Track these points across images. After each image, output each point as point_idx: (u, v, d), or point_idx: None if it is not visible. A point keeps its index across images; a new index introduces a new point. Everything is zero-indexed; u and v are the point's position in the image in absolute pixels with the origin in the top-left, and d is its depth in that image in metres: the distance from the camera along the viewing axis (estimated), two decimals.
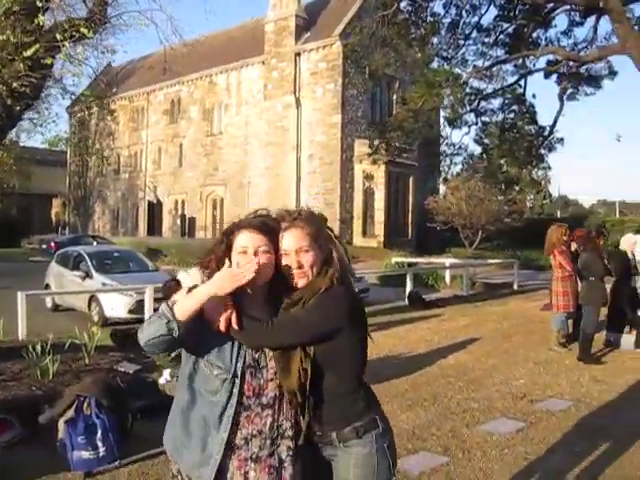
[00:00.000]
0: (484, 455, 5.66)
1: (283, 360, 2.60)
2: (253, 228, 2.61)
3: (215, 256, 2.68)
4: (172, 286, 9.43)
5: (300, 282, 2.67)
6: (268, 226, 2.65)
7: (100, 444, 5.22)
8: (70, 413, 5.43)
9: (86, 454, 5.17)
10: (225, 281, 2.45)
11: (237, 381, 2.55)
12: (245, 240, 2.59)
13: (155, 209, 48.54)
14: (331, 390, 2.68)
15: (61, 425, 5.43)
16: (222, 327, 2.50)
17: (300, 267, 2.65)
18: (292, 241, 2.65)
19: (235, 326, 2.51)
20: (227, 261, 2.57)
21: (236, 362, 2.56)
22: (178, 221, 45.33)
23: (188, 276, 9.70)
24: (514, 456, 5.66)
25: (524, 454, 5.70)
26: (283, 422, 2.62)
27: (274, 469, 2.58)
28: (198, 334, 2.54)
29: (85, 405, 5.43)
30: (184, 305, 2.46)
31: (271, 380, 2.61)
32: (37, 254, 37.02)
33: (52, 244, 35.45)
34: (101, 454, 5.22)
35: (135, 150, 51.13)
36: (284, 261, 2.66)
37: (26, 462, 5.32)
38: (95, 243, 33.49)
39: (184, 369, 2.69)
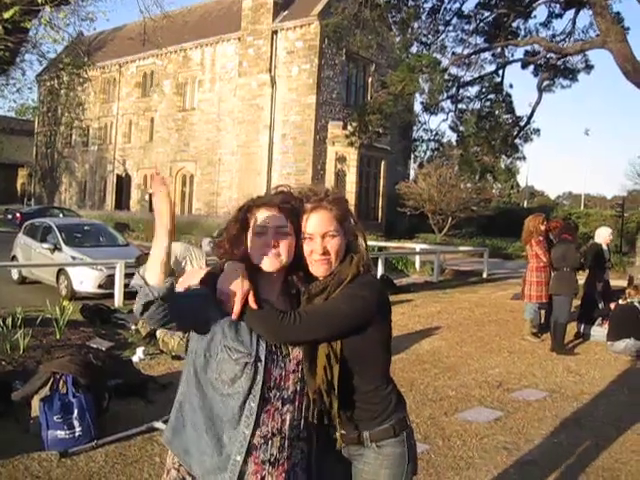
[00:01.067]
0: (464, 444, 5.65)
1: (310, 356, 2.36)
2: (273, 206, 2.32)
3: (228, 236, 2.39)
4: (145, 260, 9.34)
5: (321, 270, 2.42)
6: (290, 205, 2.36)
7: (76, 423, 5.12)
8: (45, 391, 5.31)
9: (62, 433, 5.06)
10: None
11: (260, 367, 2.26)
12: (264, 219, 2.31)
13: (123, 183, 47.92)
14: (359, 387, 2.48)
15: (36, 403, 5.31)
16: (236, 309, 2.22)
17: (325, 253, 2.39)
18: (319, 224, 2.40)
19: (253, 305, 2.25)
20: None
21: (257, 344, 2.27)
22: (147, 196, 44.76)
23: None
24: (494, 445, 5.66)
25: (504, 443, 5.71)
26: (301, 422, 2.37)
27: (288, 475, 2.33)
28: (204, 312, 2.26)
29: (61, 383, 5.31)
30: (148, 265, 2.12)
31: (293, 372, 2.34)
32: (2, 225, 36.44)
33: (17, 215, 34.95)
34: (77, 434, 5.11)
35: (105, 122, 50.31)
36: (307, 246, 2.40)
37: None
38: (62, 215, 33.04)
39: (190, 359, 2.38)
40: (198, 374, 2.32)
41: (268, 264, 2.30)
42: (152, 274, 2.10)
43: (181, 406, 2.38)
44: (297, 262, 2.39)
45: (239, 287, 2.23)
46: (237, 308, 2.23)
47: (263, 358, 2.26)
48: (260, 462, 2.26)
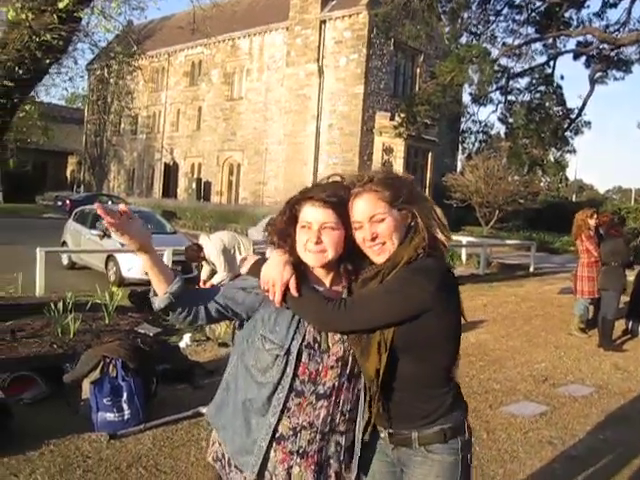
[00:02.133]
0: (509, 437, 5.62)
1: (363, 343, 2.25)
2: (318, 201, 2.25)
3: (276, 228, 2.37)
4: (195, 250, 9.45)
5: (378, 257, 2.29)
6: (337, 197, 2.27)
7: (125, 406, 5.22)
8: (96, 374, 5.43)
9: (111, 416, 5.16)
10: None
11: (291, 360, 2.25)
12: (308, 215, 2.26)
13: (171, 171, 48.41)
14: (413, 382, 2.31)
15: (86, 386, 5.43)
16: (277, 297, 2.23)
17: (374, 239, 2.26)
18: (363, 209, 2.26)
19: (294, 292, 2.22)
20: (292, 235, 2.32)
21: (292, 338, 2.26)
22: (194, 184, 45.16)
23: (209, 240, 9.69)
24: (538, 440, 5.62)
25: (549, 438, 5.66)
26: (337, 416, 2.33)
27: (320, 467, 2.32)
28: (242, 304, 2.33)
29: (111, 366, 5.42)
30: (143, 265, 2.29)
31: (331, 368, 2.29)
32: (51, 211, 37.14)
33: (67, 202, 35.53)
34: (126, 417, 5.21)
35: (153, 111, 50.88)
36: (358, 235, 2.29)
37: (49, 421, 5.30)
38: (110, 202, 33.51)
39: (238, 344, 2.46)
40: (241, 359, 2.40)
41: (312, 260, 2.29)
42: (154, 286, 2.28)
43: (227, 385, 2.46)
44: (351, 252, 2.32)
45: (280, 275, 2.24)
46: (278, 296, 2.23)
47: (295, 352, 2.25)
48: (288, 452, 2.29)
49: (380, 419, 2.35)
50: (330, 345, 2.30)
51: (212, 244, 9.18)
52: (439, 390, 2.34)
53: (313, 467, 2.30)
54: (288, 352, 2.25)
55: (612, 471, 5.07)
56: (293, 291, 2.23)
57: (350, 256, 2.33)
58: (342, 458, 2.38)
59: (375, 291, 2.26)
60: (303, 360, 2.27)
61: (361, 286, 2.32)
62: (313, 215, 2.26)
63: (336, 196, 2.27)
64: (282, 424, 2.28)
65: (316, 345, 2.28)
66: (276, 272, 2.25)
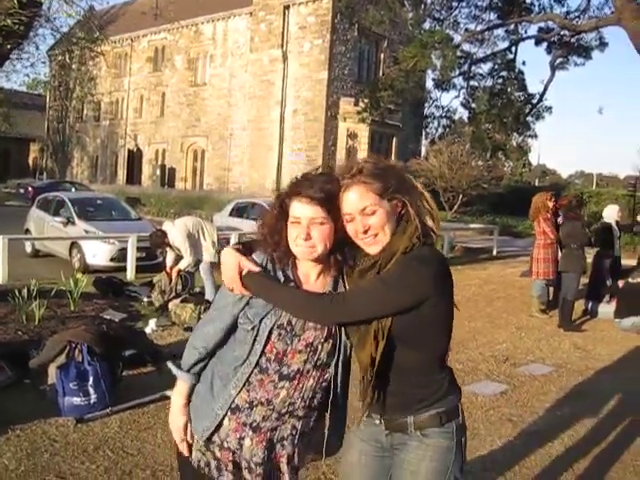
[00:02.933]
0: (470, 416, 5.71)
1: (360, 332, 2.28)
2: (306, 197, 2.25)
3: (265, 223, 2.39)
4: (159, 236, 9.46)
5: (372, 249, 2.28)
6: (325, 192, 2.26)
7: (92, 390, 5.25)
8: (61, 359, 5.46)
9: (77, 400, 5.19)
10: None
11: (260, 338, 2.30)
12: (297, 211, 2.27)
13: (135, 158, 48.08)
14: (410, 369, 2.32)
15: (52, 370, 5.45)
16: (237, 288, 2.30)
17: (367, 231, 2.25)
18: (353, 201, 2.24)
19: (253, 269, 2.29)
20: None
21: (264, 316, 2.30)
22: (158, 171, 44.89)
23: (173, 226, 9.73)
24: (499, 417, 5.77)
25: (508, 415, 5.81)
26: (297, 400, 2.35)
27: (271, 445, 2.38)
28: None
29: (77, 351, 5.45)
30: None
31: (299, 352, 2.31)
32: (14, 199, 36.65)
33: (30, 189, 35.11)
34: (92, 400, 5.24)
35: (116, 97, 50.42)
36: (350, 227, 2.28)
37: (16, 406, 5.31)
38: (74, 189, 33.20)
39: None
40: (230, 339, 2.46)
41: (302, 254, 2.32)
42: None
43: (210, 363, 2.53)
44: (341, 243, 2.34)
45: (235, 267, 2.31)
46: (237, 286, 2.30)
47: (267, 330, 2.29)
48: (241, 423, 2.35)
49: (374, 406, 2.36)
50: (304, 331, 2.32)
51: (176, 229, 9.22)
52: (436, 376, 2.36)
53: (264, 444, 2.35)
54: (258, 328, 2.30)
55: (569, 446, 5.22)
56: (251, 269, 2.29)
57: (340, 246, 2.34)
58: (296, 442, 2.41)
59: (373, 282, 2.26)
60: (272, 339, 2.30)
61: (358, 277, 2.32)
62: (301, 211, 2.27)
63: (324, 191, 2.27)
64: (240, 396, 2.34)
65: (289, 327, 2.30)
66: (231, 267, 2.32)
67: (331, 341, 2.34)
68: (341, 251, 2.35)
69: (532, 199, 10.78)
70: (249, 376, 2.32)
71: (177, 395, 2.50)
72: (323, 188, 2.27)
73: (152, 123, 46.66)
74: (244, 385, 2.33)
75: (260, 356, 2.31)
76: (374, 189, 2.23)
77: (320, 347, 2.33)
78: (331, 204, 2.26)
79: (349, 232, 2.28)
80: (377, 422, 2.42)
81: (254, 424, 2.34)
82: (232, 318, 2.36)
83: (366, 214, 2.23)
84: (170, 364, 2.54)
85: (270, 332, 2.29)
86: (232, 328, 2.38)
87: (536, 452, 5.04)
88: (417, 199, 2.32)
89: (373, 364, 2.23)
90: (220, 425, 2.36)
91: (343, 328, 2.34)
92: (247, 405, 2.34)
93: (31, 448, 4.60)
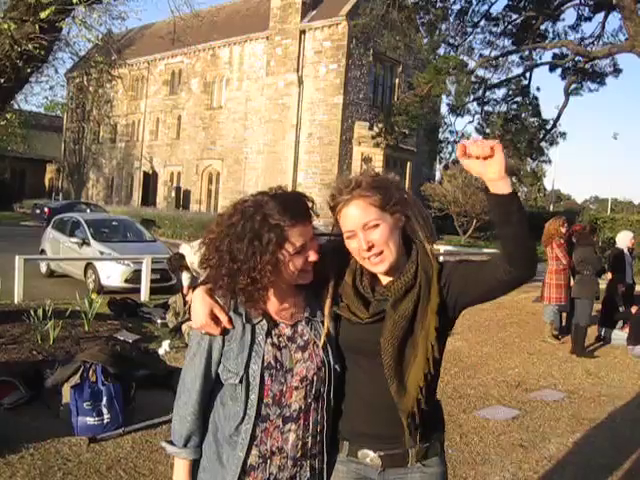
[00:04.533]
0: (481, 440, 5.76)
1: (400, 368, 2.11)
2: (303, 220, 2.13)
3: (261, 260, 2.08)
4: (177, 259, 9.55)
5: (378, 267, 2.14)
6: (303, 207, 2.15)
7: (105, 411, 5.31)
8: (76, 379, 5.51)
9: (91, 420, 5.24)
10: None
11: (253, 386, 2.11)
12: (301, 237, 2.11)
13: (150, 180, 48.35)
14: (428, 402, 2.16)
15: (66, 390, 5.50)
16: (212, 330, 2.12)
17: (370, 248, 2.10)
18: (354, 217, 2.11)
19: (222, 319, 2.10)
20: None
21: (247, 362, 2.11)
22: (173, 193, 45.12)
23: (191, 248, 9.75)
24: (510, 442, 5.76)
25: (520, 441, 5.81)
26: (308, 440, 2.18)
27: None
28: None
29: (91, 372, 5.50)
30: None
31: (296, 389, 2.14)
32: (30, 219, 36.96)
33: (46, 209, 35.36)
34: (105, 421, 5.30)
35: (133, 119, 50.84)
36: (352, 245, 2.15)
37: (30, 425, 5.38)
38: (89, 210, 33.41)
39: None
40: (217, 398, 2.26)
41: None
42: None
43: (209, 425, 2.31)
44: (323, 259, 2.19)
45: (206, 315, 2.12)
46: (212, 329, 2.12)
47: (258, 377, 2.11)
48: None
49: (367, 442, 2.22)
50: (294, 365, 2.16)
51: (193, 252, 9.28)
52: (434, 404, 2.27)
53: None
54: (246, 378, 2.11)
55: (580, 473, 5.22)
56: (221, 317, 2.11)
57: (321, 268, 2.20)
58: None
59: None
60: (265, 382, 2.12)
61: (392, 309, 2.12)
62: (302, 235, 2.14)
63: (302, 206, 2.16)
64: (251, 455, 2.14)
65: (278, 365, 2.14)
66: (200, 316, 2.13)
67: (323, 369, 2.19)
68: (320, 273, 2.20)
69: (545, 225, 10.80)
70: (253, 431, 2.12)
71: (178, 478, 2.24)
72: (298, 202, 2.15)
73: (168, 145, 46.98)
74: (250, 441, 2.12)
75: (258, 405, 2.12)
76: (375, 202, 2.11)
77: (315, 378, 2.17)
78: (308, 220, 2.14)
79: (351, 250, 2.16)
80: (368, 460, 2.22)
81: (272, 478, 2.15)
82: (205, 363, 2.15)
83: (368, 229, 2.10)
84: (163, 443, 2.28)
85: (262, 377, 2.11)
86: (209, 376, 2.16)
87: (547, 479, 5.04)
88: (416, 211, 2.22)
89: (419, 407, 2.10)
90: None
91: (331, 352, 2.20)
92: (260, 460, 2.14)
93: (44, 467, 4.65)
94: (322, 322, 2.22)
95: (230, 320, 2.13)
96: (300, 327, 2.22)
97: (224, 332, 2.13)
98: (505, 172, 1.90)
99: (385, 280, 2.20)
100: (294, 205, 2.12)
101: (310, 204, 2.16)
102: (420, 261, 2.16)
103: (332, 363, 2.20)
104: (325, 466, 2.25)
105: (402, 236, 2.20)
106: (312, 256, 2.12)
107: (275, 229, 2.05)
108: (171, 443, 2.23)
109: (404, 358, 2.11)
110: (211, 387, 2.18)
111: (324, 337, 2.20)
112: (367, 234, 2.10)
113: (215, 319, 2.12)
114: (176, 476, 2.24)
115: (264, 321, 2.15)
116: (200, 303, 2.14)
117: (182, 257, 9.32)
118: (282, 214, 2.06)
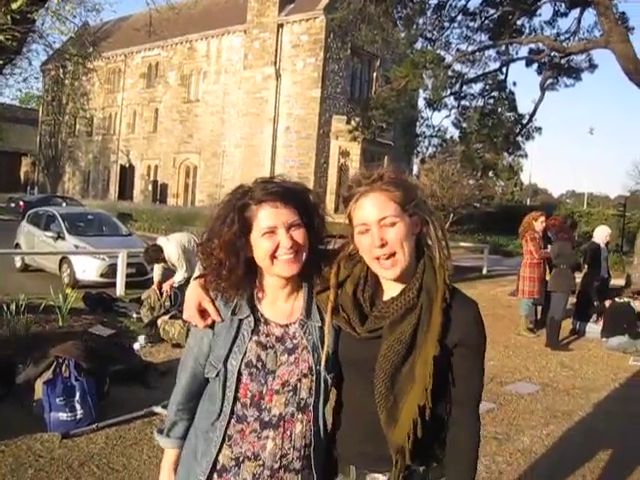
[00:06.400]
0: None
1: (390, 403, 1.92)
2: (275, 199, 1.99)
3: (221, 240, 2.02)
4: (155, 251, 9.46)
5: (390, 273, 1.95)
6: (291, 191, 2.04)
7: (78, 406, 5.26)
8: (48, 374, 5.45)
9: (64, 415, 5.20)
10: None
11: (231, 383, 2.01)
12: (269, 218, 1.99)
13: (127, 173, 48.09)
14: (436, 421, 1.98)
15: (39, 386, 5.44)
16: (198, 324, 2.07)
17: (383, 245, 1.91)
18: (371, 210, 1.93)
19: (213, 315, 2.04)
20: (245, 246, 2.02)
21: (226, 357, 2.01)
22: (150, 187, 44.96)
23: (169, 242, 9.70)
24: (484, 435, 5.74)
25: (494, 434, 5.83)
26: (289, 452, 2.01)
27: None
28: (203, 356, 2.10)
29: (64, 367, 5.45)
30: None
31: (277, 393, 2.01)
32: (4, 212, 36.56)
33: (21, 203, 35.00)
34: (79, 416, 5.25)
35: (109, 112, 50.50)
36: (363, 240, 1.96)
37: (1, 422, 5.30)
38: (65, 204, 33.12)
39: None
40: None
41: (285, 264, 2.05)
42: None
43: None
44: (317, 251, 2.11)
45: (194, 307, 2.09)
46: (197, 321, 2.07)
47: (235, 372, 2.01)
48: None
49: (374, 464, 2.03)
50: (277, 367, 2.02)
51: (173, 245, 9.21)
52: (445, 423, 2.04)
53: None
54: (224, 372, 2.01)
55: (554, 464, 5.26)
56: (209, 309, 2.06)
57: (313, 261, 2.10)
58: None
59: (479, 362, 2.09)
60: (244, 380, 2.01)
61: (388, 331, 1.93)
62: (274, 217, 2.03)
63: (290, 190, 2.07)
64: (223, 454, 2.02)
65: (259, 364, 2.01)
66: (188, 304, 2.11)
67: (310, 377, 2.02)
68: (316, 266, 2.10)
69: (523, 218, 10.88)
70: (226, 428, 2.01)
71: (162, 468, 2.24)
72: (287, 186, 2.05)
73: (145, 139, 46.72)
74: (223, 440, 2.02)
75: (234, 403, 2.01)
76: (396, 198, 1.93)
77: (299, 385, 2.02)
78: (300, 204, 2.04)
79: (361, 246, 1.98)
80: None
81: None
82: (195, 355, 2.10)
83: (384, 225, 1.92)
84: (156, 430, 2.28)
85: (239, 373, 2.00)
86: (197, 368, 2.10)
87: (520, 470, 5.07)
88: (436, 220, 2.02)
89: (409, 442, 1.90)
90: None
91: (323, 360, 2.01)
92: (233, 463, 2.00)
93: (15, 464, 4.60)
94: (320, 327, 2.07)
95: (218, 313, 2.05)
96: (292, 329, 2.07)
97: (211, 325, 2.07)
98: None
99: (387, 296, 2.02)
100: (270, 186, 2.02)
101: (295, 185, 2.08)
102: (425, 278, 1.96)
103: (322, 373, 2.03)
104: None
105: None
106: (285, 242, 1.97)
107: (241, 208, 2.00)
108: (161, 431, 2.22)
109: (398, 386, 1.91)
110: (200, 380, 2.11)
111: (327, 348, 2.03)
112: (381, 230, 1.92)
113: (202, 312, 2.07)
114: (162, 465, 2.25)
115: (251, 317, 2.04)
116: (190, 295, 2.12)
117: (160, 249, 9.22)
118: (253, 194, 2.00)
